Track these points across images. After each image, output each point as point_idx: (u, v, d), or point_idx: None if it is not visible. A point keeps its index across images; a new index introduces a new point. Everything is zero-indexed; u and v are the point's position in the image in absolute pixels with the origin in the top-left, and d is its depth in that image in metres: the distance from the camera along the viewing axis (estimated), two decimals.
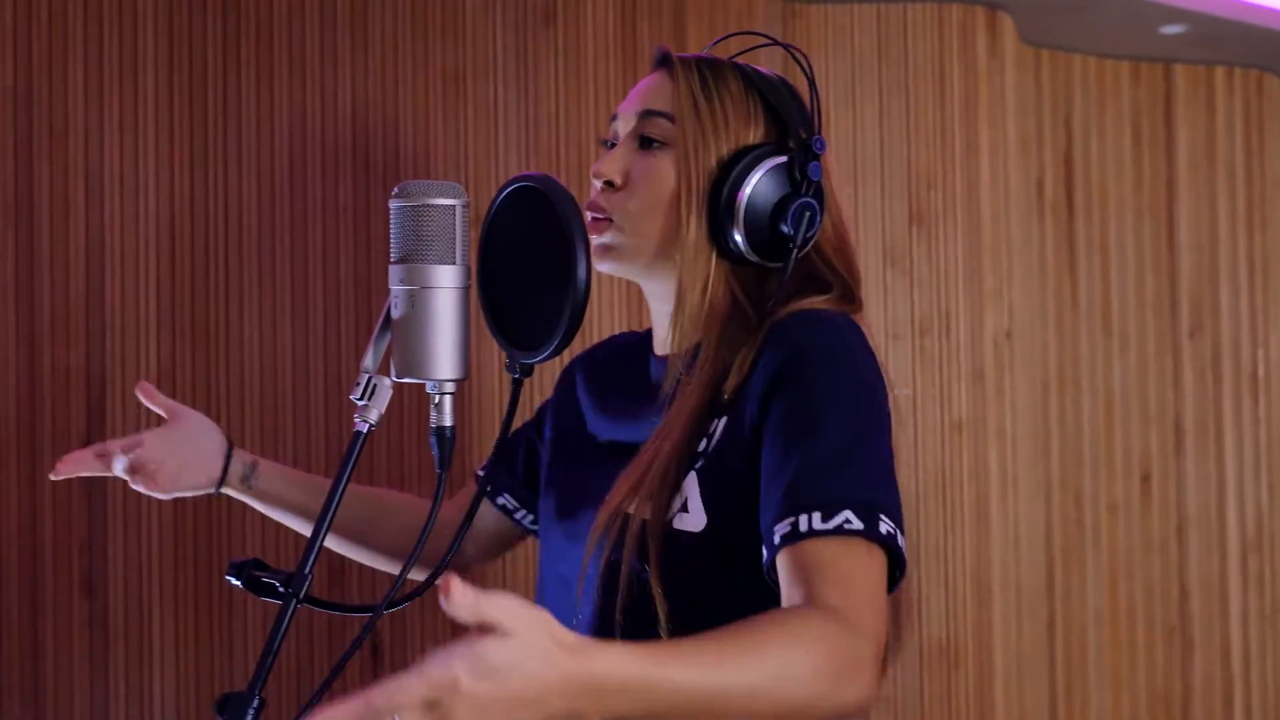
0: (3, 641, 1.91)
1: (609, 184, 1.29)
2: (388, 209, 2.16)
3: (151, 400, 1.50)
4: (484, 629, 0.84)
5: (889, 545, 1.11)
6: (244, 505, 2.04)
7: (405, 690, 0.83)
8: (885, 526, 1.10)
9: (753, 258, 1.26)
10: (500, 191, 1.19)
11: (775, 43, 1.40)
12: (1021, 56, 3.00)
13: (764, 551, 1.13)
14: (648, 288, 1.34)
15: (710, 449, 1.20)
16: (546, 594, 1.33)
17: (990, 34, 2.84)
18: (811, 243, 1.28)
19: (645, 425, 1.28)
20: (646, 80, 1.34)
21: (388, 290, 2.19)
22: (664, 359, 1.33)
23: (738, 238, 1.25)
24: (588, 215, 1.29)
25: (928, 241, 2.74)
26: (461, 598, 0.82)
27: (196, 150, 2.05)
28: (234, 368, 2.06)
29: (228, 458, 1.50)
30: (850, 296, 1.31)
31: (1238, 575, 3.33)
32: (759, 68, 1.34)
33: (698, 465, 1.20)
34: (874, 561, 1.10)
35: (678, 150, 1.27)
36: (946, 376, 2.76)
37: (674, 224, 1.26)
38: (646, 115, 1.30)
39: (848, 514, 1.09)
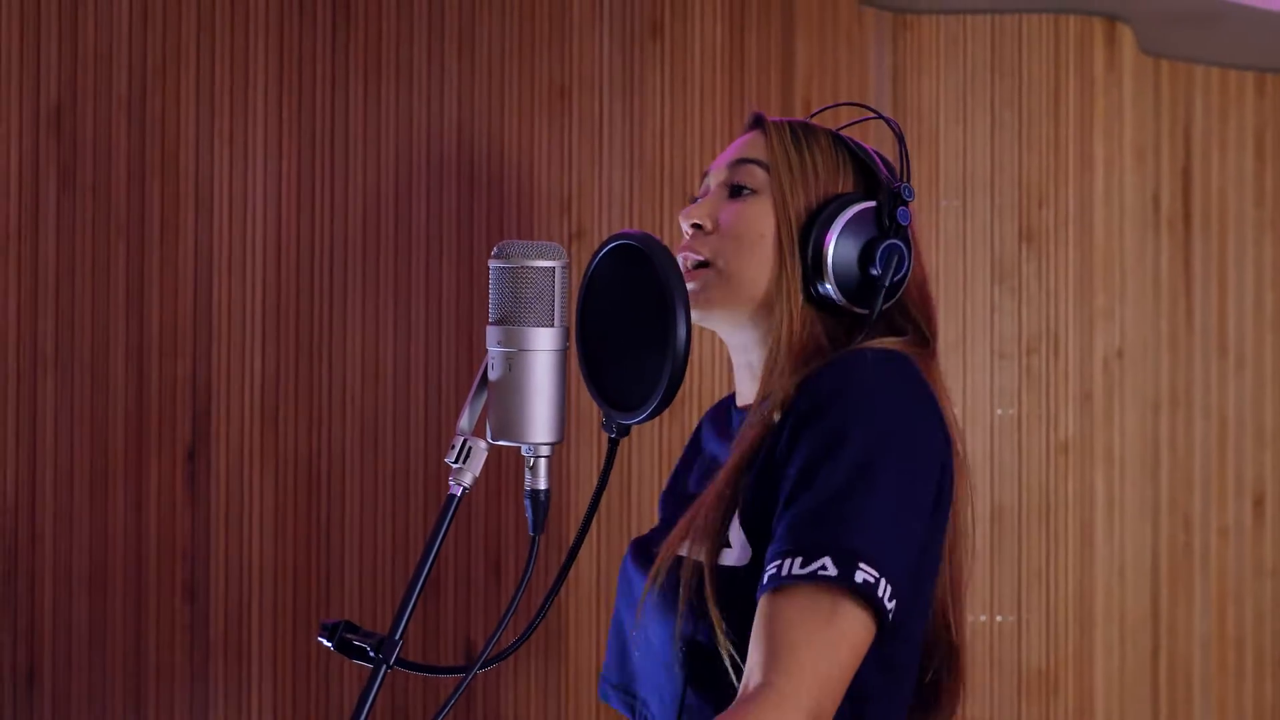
0: (108, 644, 1.94)
1: (697, 227, 1.29)
2: (490, 220, 2.16)
3: None
4: None
5: (866, 595, 1.09)
6: (342, 514, 2.06)
7: None
8: (863, 576, 1.09)
9: (841, 301, 1.25)
10: (600, 249, 1.18)
11: (871, 110, 1.40)
12: (1140, 67, 2.92)
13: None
14: (732, 340, 1.33)
15: (750, 486, 1.20)
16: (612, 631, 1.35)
17: (1108, 45, 2.77)
18: (900, 291, 1.28)
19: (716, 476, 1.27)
20: (737, 141, 1.34)
21: (488, 304, 2.19)
22: (744, 410, 1.31)
23: (828, 284, 1.24)
24: (682, 262, 1.28)
25: (1038, 259, 2.68)
26: None
27: (304, 161, 2.07)
28: (336, 378, 2.08)
29: None
30: (924, 343, 1.29)
31: None
32: (840, 132, 1.34)
33: (740, 507, 1.20)
34: (834, 615, 1.09)
35: (772, 196, 1.27)
36: (1054, 397, 2.70)
37: (768, 267, 1.26)
38: (739, 164, 1.30)
39: (825, 560, 1.08)
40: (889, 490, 1.13)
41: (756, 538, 1.17)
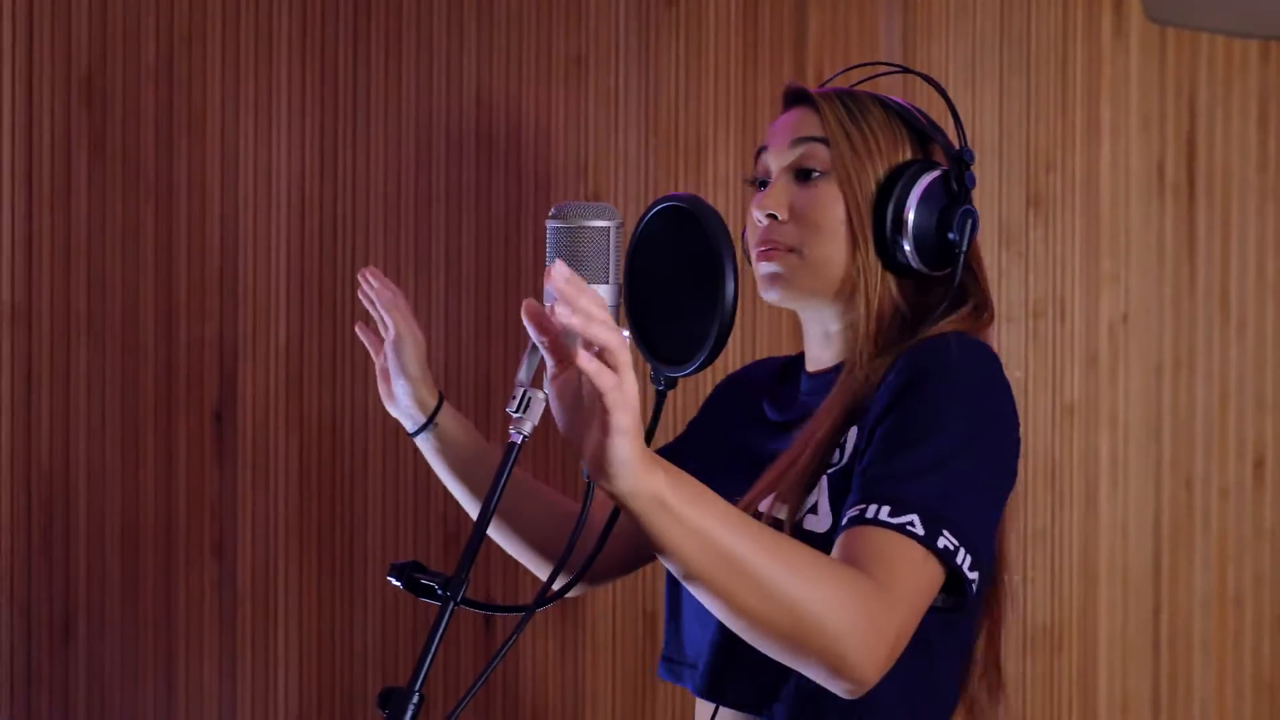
0: (140, 598, 2.00)
1: (773, 217, 1.33)
2: (508, 186, 2.21)
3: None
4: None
5: (946, 562, 1.14)
6: (365, 472, 2.12)
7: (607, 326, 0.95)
8: (945, 542, 1.14)
9: (921, 268, 1.31)
10: (648, 210, 1.22)
11: (905, 70, 1.43)
12: (1147, 35, 2.96)
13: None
14: (807, 311, 1.38)
15: (843, 459, 1.25)
16: (681, 592, 1.38)
17: (1115, 13, 2.80)
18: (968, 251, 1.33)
19: (788, 437, 1.31)
20: (787, 116, 1.37)
21: (505, 267, 2.23)
22: (817, 374, 1.36)
23: (908, 250, 1.29)
24: (755, 247, 1.33)
25: (1044, 224, 2.72)
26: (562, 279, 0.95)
27: (326, 130, 2.11)
28: (358, 343, 2.13)
29: (439, 401, 1.61)
30: (987, 306, 1.35)
31: None
32: (888, 96, 1.38)
33: (829, 471, 1.25)
34: (924, 569, 1.14)
35: (838, 176, 1.31)
36: (1060, 360, 2.75)
37: (845, 247, 1.31)
38: (800, 143, 1.33)
39: (914, 517, 1.13)
40: (983, 468, 1.19)
41: (840, 505, 1.23)
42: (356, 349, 2.12)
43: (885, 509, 1.13)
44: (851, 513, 1.15)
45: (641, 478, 0.97)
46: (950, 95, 1.41)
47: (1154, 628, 3.04)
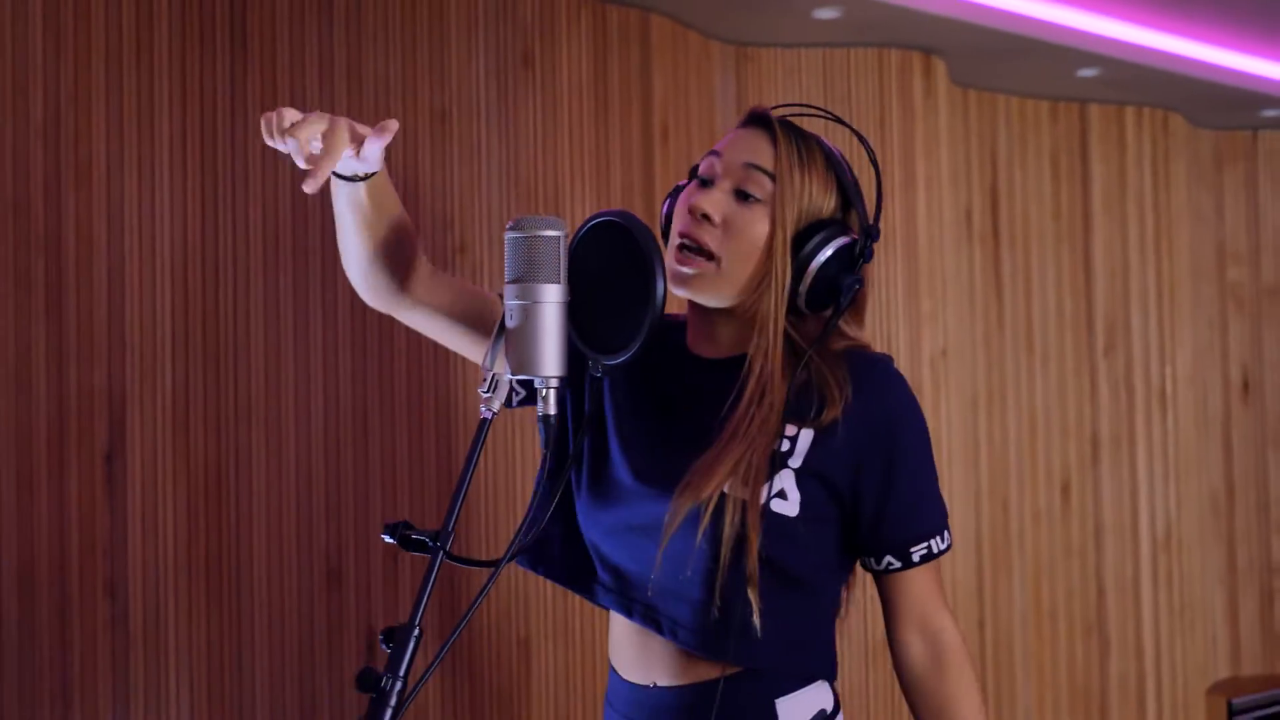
0: (35, 642, 2.04)
1: (706, 217, 1.49)
2: None
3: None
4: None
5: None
6: (250, 512, 2.20)
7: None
8: (949, 535, 1.55)
9: (803, 308, 1.51)
10: (585, 224, 1.39)
11: (846, 124, 1.58)
12: (952, 96, 3.24)
13: (888, 558, 1.51)
14: (702, 308, 1.55)
15: (802, 453, 1.46)
16: (619, 541, 1.53)
17: (925, 76, 3.07)
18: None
19: (703, 413, 1.49)
20: (745, 134, 1.53)
21: (380, 314, 2.34)
22: (712, 361, 1.53)
23: (801, 291, 1.49)
24: (678, 237, 1.50)
25: (871, 266, 2.95)
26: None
27: (207, 185, 2.21)
28: (241, 386, 2.21)
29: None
30: (861, 325, 1.59)
31: (1149, 576, 3.58)
32: (829, 145, 1.55)
33: (795, 466, 1.45)
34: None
35: (772, 209, 1.49)
36: None
37: (762, 269, 1.49)
38: (751, 168, 1.50)
39: (948, 534, 1.53)
40: (933, 470, 1.56)
41: (810, 498, 1.45)
42: (240, 393, 2.21)
43: (936, 540, 1.51)
44: (922, 550, 1.51)
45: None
46: (880, 188, 1.57)
47: (979, 638, 3.28)
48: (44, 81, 2.08)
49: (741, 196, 1.50)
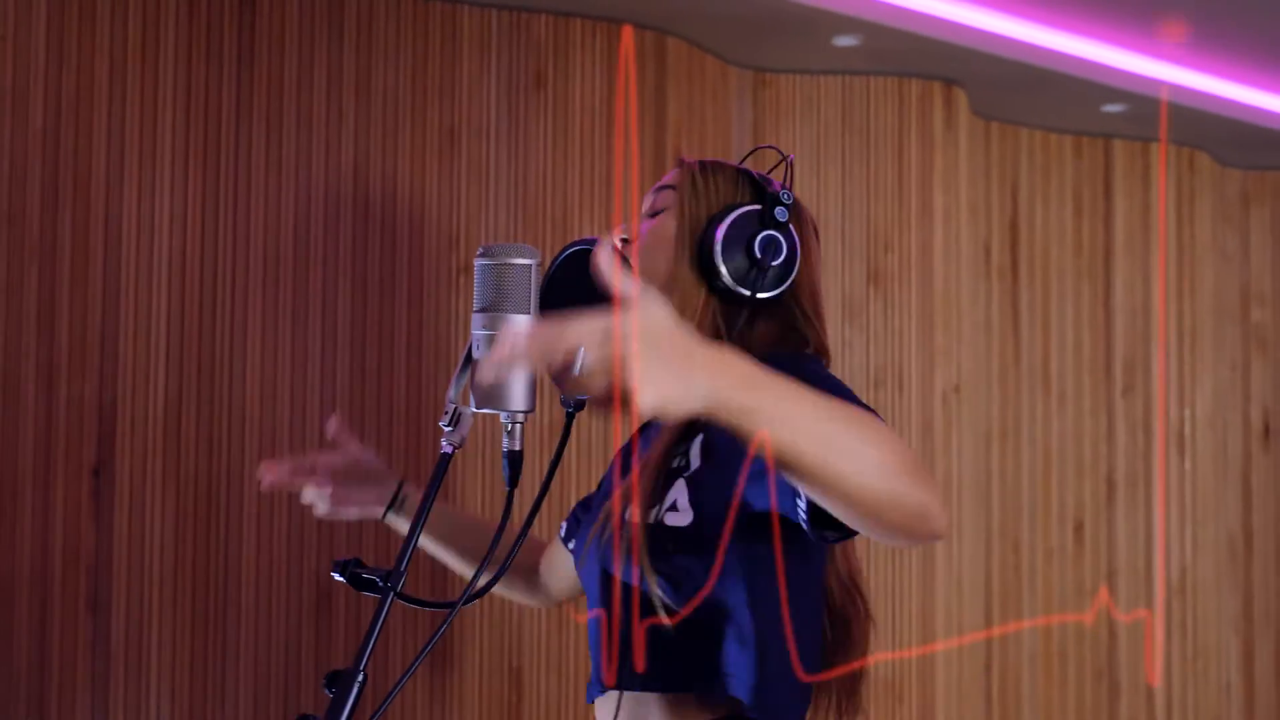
0: (11, 658, 2.01)
1: (624, 240, 1.53)
2: (382, 255, 2.30)
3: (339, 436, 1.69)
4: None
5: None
6: (240, 531, 2.17)
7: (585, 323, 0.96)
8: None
9: (734, 286, 1.45)
10: (561, 253, 1.36)
11: (756, 149, 1.61)
12: (973, 128, 3.19)
13: (797, 515, 1.24)
14: None
15: (695, 461, 1.40)
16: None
17: (946, 107, 3.03)
18: (787, 285, 1.48)
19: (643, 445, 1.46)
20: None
21: (380, 330, 2.31)
22: None
23: (720, 270, 1.44)
24: None
25: (884, 299, 2.91)
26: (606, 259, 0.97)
27: (208, 198, 2.18)
28: (235, 402, 2.18)
29: (399, 486, 1.71)
30: (824, 350, 1.50)
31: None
32: (743, 167, 1.56)
33: (687, 474, 1.39)
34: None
35: (675, 210, 1.49)
36: (898, 428, 2.93)
37: (668, 263, 1.47)
38: (659, 190, 1.54)
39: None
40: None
41: (701, 503, 1.37)
42: (233, 409, 2.18)
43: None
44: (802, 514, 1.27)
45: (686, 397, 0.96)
46: (797, 177, 1.58)
47: (986, 680, 3.22)
48: (45, 87, 2.05)
49: (653, 215, 1.52)
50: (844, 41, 2.72)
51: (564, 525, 1.70)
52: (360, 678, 1.11)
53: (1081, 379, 3.44)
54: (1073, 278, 3.44)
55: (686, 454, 1.41)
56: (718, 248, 1.44)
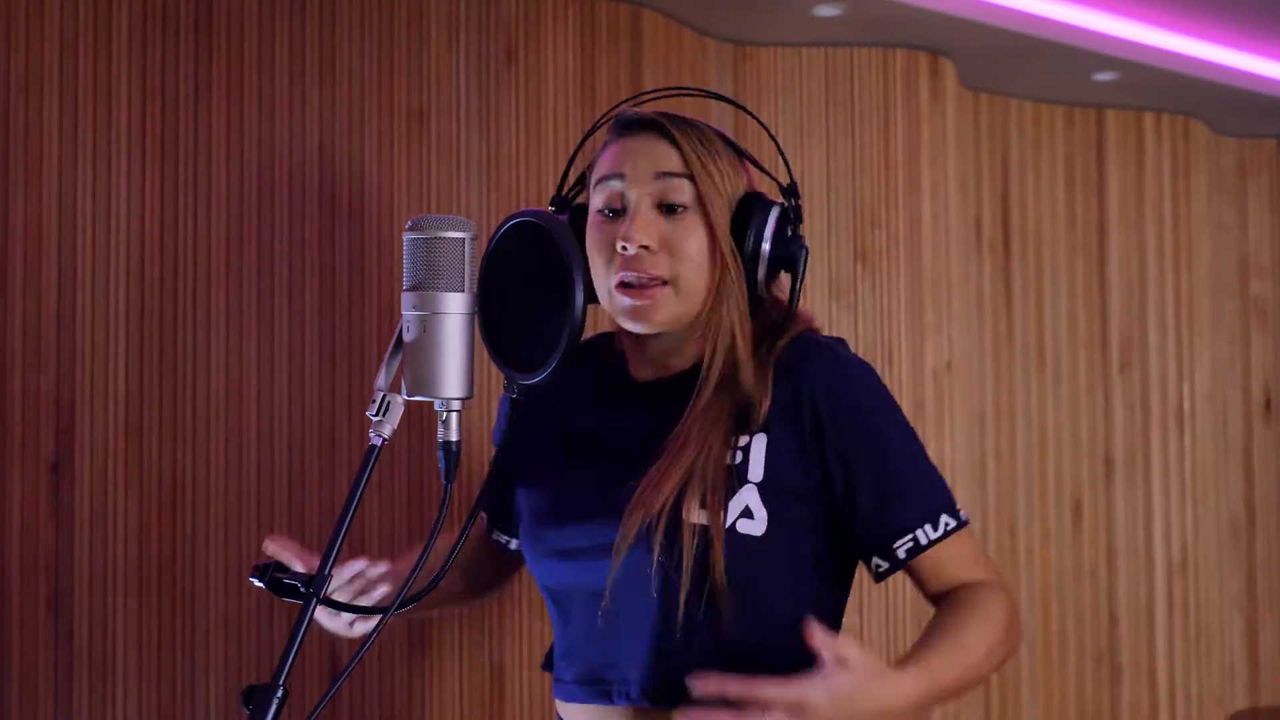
0: None
1: (645, 248, 1.37)
2: (350, 239, 2.22)
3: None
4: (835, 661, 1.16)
5: (969, 521, 1.44)
6: (207, 526, 2.10)
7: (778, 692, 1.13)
8: (964, 513, 1.43)
9: (764, 294, 1.42)
10: (501, 225, 1.26)
11: (730, 101, 1.52)
12: (961, 100, 3.12)
13: (877, 560, 1.41)
14: (665, 333, 1.42)
15: (759, 464, 1.35)
16: (576, 605, 1.41)
17: (932, 78, 2.95)
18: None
19: (644, 434, 1.37)
20: (635, 144, 1.42)
21: (349, 319, 2.24)
22: (650, 383, 1.41)
23: (760, 276, 1.41)
24: (619, 276, 1.38)
25: (871, 277, 2.84)
26: (820, 638, 1.16)
27: (167, 183, 2.10)
28: (200, 395, 2.11)
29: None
30: (804, 317, 1.47)
31: (1164, 601, 3.45)
32: (714, 126, 1.47)
33: (758, 480, 1.33)
34: (972, 537, 1.43)
35: (702, 210, 1.39)
36: None
37: (714, 276, 1.39)
38: (664, 177, 1.39)
39: (945, 518, 1.39)
40: (920, 446, 1.46)
41: (777, 513, 1.34)
42: (198, 401, 2.11)
43: (927, 528, 1.38)
44: (906, 545, 1.39)
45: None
46: (777, 151, 1.49)
47: None
48: None
49: (668, 210, 1.39)
50: (825, 11, 2.65)
51: (483, 517, 1.60)
52: (280, 693, 1.03)
53: (1077, 355, 3.38)
54: (1066, 252, 3.37)
55: (747, 451, 1.36)
56: (762, 263, 1.40)
